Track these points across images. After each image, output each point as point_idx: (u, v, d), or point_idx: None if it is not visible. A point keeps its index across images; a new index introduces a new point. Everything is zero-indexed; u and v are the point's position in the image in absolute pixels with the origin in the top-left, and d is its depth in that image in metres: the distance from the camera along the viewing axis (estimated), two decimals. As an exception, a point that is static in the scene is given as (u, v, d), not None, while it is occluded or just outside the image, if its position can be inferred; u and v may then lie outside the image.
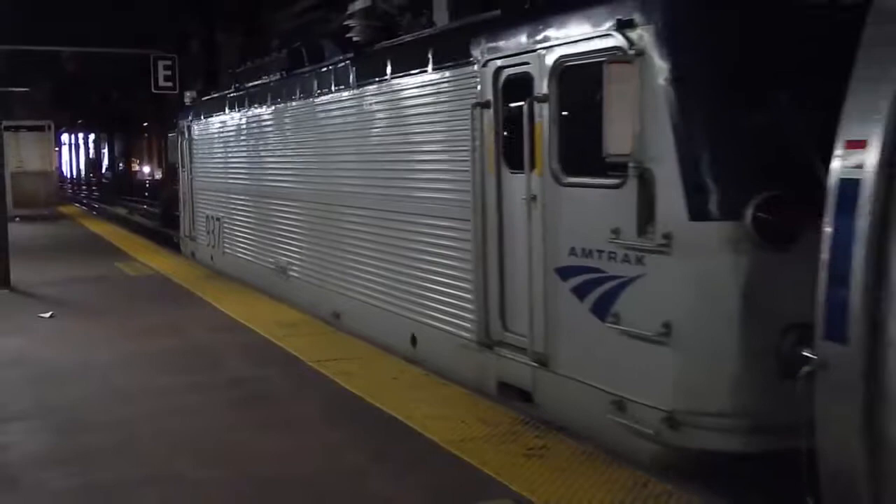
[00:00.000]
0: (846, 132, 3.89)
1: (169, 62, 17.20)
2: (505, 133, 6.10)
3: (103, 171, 55.96)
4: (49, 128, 31.82)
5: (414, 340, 7.35)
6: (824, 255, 3.95)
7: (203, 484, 4.91)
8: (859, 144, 3.82)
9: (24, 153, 29.52)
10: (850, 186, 3.84)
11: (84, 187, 55.29)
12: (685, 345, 4.67)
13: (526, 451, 5.07)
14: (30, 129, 30.70)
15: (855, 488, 3.83)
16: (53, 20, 27.39)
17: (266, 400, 6.50)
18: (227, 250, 13.24)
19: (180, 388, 6.85)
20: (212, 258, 14.07)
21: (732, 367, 4.54)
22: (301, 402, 6.40)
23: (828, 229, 3.94)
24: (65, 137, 57.46)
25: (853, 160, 3.84)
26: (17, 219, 20.78)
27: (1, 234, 12.03)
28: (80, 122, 51.63)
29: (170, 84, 17.21)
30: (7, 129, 16.55)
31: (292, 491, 4.75)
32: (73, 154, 62.93)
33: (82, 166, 62.13)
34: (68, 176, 59.94)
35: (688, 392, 4.68)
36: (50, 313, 10.00)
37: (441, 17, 7.56)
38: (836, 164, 3.92)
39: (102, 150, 57.26)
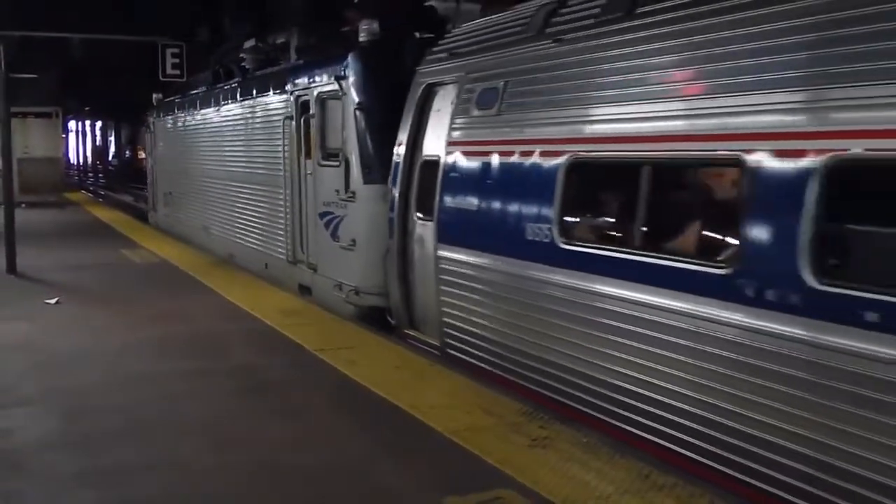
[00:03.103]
0: (398, 137, 9.16)
1: (177, 50, 18.51)
2: (301, 135, 11.51)
3: (110, 158, 62.26)
4: (56, 115, 34.30)
5: (266, 266, 12.90)
6: (390, 198, 9.24)
7: (207, 470, 5.45)
8: (400, 143, 9.10)
9: (31, 140, 31.99)
10: (396, 164, 9.13)
11: (90, 174, 61.13)
12: (361, 251, 9.96)
13: (530, 442, 5.75)
14: (37, 115, 33.01)
15: (399, 310, 9.13)
16: (62, 6, 29.40)
17: (270, 388, 7.19)
18: (177, 217, 19.54)
19: (185, 375, 7.56)
20: (167, 224, 20.47)
21: (380, 262, 9.79)
22: (305, 391, 7.09)
23: (392, 186, 9.23)
24: (72, 124, 63.20)
25: (398, 151, 9.12)
26: (24, 205, 23.03)
27: (7, 220, 13.53)
28: (87, 109, 57.23)
29: (177, 72, 18.59)
30: (14, 115, 17.66)
31: (297, 479, 5.29)
32: (79, 141, 68.82)
33: (89, 153, 68.43)
34: (75, 163, 65.76)
35: (363, 276, 9.95)
36: (56, 299, 10.98)
37: (293, 57, 13.01)
38: (395, 153, 9.20)
39: (109, 138, 63.53)
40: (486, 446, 5.66)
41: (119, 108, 51.40)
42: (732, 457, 5.15)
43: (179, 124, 19.22)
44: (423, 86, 8.89)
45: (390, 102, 9.65)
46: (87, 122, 66.52)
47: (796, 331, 4.74)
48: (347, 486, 5.19)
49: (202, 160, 17.00)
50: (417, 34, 10.22)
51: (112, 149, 63.20)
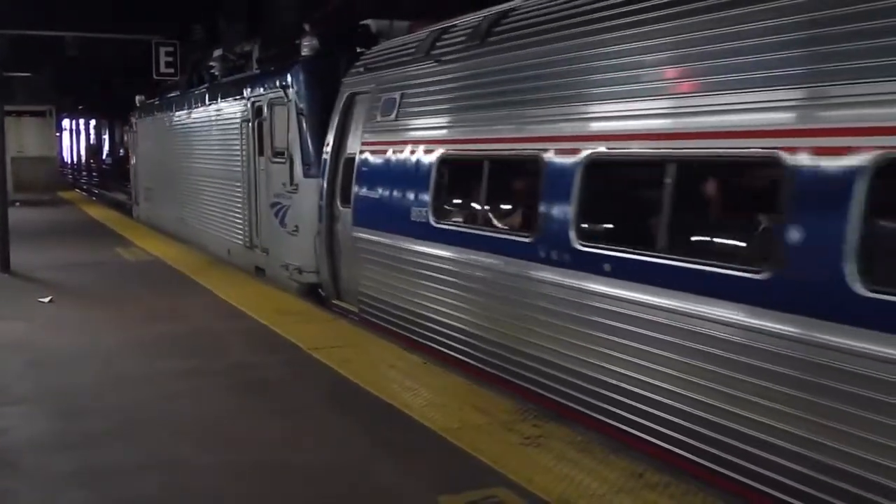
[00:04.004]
0: (327, 138, 11.33)
1: (170, 48, 19.04)
2: (255, 135, 13.71)
3: (104, 156, 64.53)
4: (50, 113, 35.94)
5: (229, 251, 15.12)
6: (321, 189, 11.42)
7: (204, 470, 5.57)
8: (328, 143, 11.27)
9: (25, 138, 33.14)
10: (325, 161, 11.31)
11: (84, 173, 63.22)
12: (302, 236, 12.11)
13: (523, 440, 5.95)
14: (31, 114, 34.16)
15: (328, 284, 11.31)
16: (57, 5, 29.77)
17: (266, 387, 7.43)
18: (156, 210, 22.07)
19: (180, 374, 7.78)
20: (147, 217, 23.07)
21: (318, 246, 11.98)
22: (301, 390, 7.34)
23: (322, 179, 11.40)
24: (66, 123, 65.25)
25: (327, 149, 11.30)
26: (18, 203, 24.00)
27: (1, 218, 13.92)
28: (81, 107, 59.55)
29: (171, 70, 19.15)
30: (8, 114, 18.10)
31: (293, 477, 5.43)
32: (73, 139, 71.44)
33: (83, 152, 71.06)
34: (69, 161, 68.01)
35: (304, 257, 12.09)
36: (49, 298, 11.34)
37: (254, 66, 15.24)
38: (324, 152, 11.38)
39: (103, 136, 65.89)
40: (479, 445, 5.91)
41: (113, 107, 52.97)
42: (545, 382, 7.28)
43: (157, 125, 21.72)
44: (347, 95, 11.06)
45: (327, 108, 11.75)
46: (81, 121, 68.79)
47: (569, 280, 6.86)
48: (343, 485, 5.39)
49: (176, 158, 19.43)
50: (358, 49, 12.37)
51: (106, 147, 65.33)
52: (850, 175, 4.71)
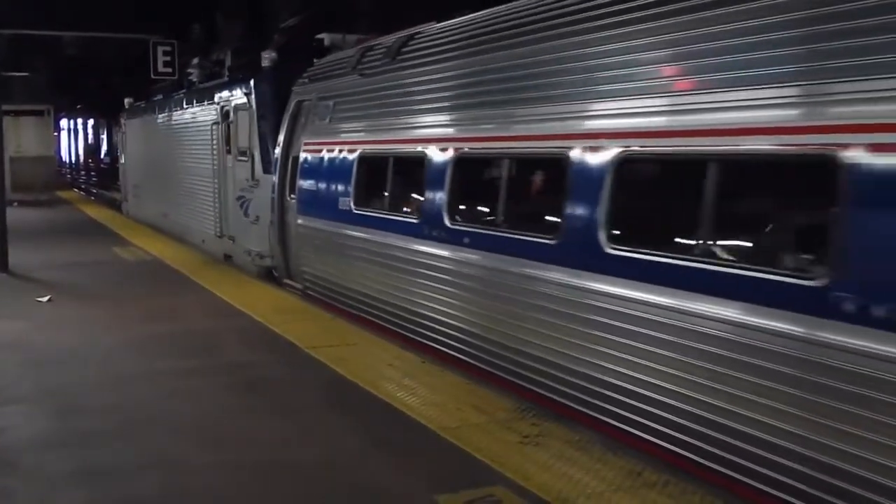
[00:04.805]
0: (279, 139, 13.49)
1: (168, 48, 20.14)
2: (223, 136, 15.91)
3: (102, 156, 66.43)
4: (48, 113, 36.45)
5: (203, 241, 17.35)
6: (272, 183, 13.59)
7: (201, 469, 5.77)
8: (279, 144, 13.45)
9: (23, 138, 33.47)
10: (276, 159, 13.50)
11: (83, 172, 65.22)
12: (262, 225, 14.28)
13: (521, 439, 6.16)
14: (29, 113, 34.49)
15: (281, 266, 13.49)
16: (55, 4, 28.83)
17: (264, 386, 7.64)
18: (143, 205, 24.44)
19: (179, 373, 7.95)
20: (136, 213, 25.40)
21: (271, 233, 14.12)
22: (299, 389, 7.53)
23: (274, 175, 13.58)
24: (64, 122, 67.44)
25: (279, 149, 13.48)
26: (16, 203, 24.61)
27: None
28: (79, 107, 61.50)
29: (169, 70, 20.24)
30: (6, 113, 18.32)
31: (292, 476, 5.64)
32: (72, 139, 73.34)
33: (81, 151, 73.26)
34: (67, 161, 70.17)
35: (262, 244, 14.26)
36: (48, 297, 11.64)
37: (226, 74, 17.45)
38: (276, 151, 13.54)
39: (101, 136, 67.74)
40: (477, 444, 6.09)
41: (112, 107, 54.17)
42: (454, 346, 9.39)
43: (143, 126, 24.09)
44: (295, 101, 13.21)
45: (282, 113, 13.82)
46: (80, 121, 70.72)
47: (444, 253, 8.98)
48: (342, 485, 5.54)
49: (160, 157, 21.77)
50: (315, 60, 14.47)
51: (104, 147, 67.10)
52: (602, 167, 6.80)
